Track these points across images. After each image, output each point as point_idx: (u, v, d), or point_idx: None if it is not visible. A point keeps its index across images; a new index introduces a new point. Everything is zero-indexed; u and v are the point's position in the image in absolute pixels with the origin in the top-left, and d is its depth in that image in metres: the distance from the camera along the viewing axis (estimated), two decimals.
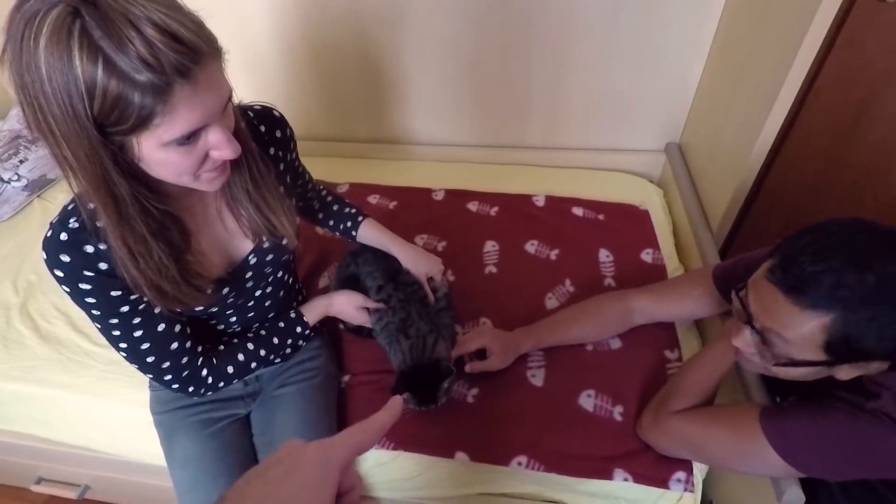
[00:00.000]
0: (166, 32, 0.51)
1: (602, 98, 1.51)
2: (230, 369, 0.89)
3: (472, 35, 1.43)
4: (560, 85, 1.49)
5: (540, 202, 1.48)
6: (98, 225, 0.65)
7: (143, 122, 0.53)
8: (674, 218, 1.46)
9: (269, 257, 0.87)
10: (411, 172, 1.64)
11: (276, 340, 0.95)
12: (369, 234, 1.10)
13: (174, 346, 0.80)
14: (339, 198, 1.12)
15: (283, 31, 1.51)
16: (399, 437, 1.00)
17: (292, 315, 0.98)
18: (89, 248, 0.67)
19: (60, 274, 0.67)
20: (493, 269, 1.31)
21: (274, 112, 0.85)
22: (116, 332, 0.74)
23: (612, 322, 1.07)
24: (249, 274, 0.86)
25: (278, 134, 0.85)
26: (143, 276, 0.67)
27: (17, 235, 1.51)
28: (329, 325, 1.17)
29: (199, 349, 0.85)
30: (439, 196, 1.53)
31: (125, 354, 0.78)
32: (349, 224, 1.10)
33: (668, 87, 1.45)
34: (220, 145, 0.61)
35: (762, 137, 1.06)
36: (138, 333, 0.75)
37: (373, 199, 1.52)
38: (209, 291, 0.77)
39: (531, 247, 1.36)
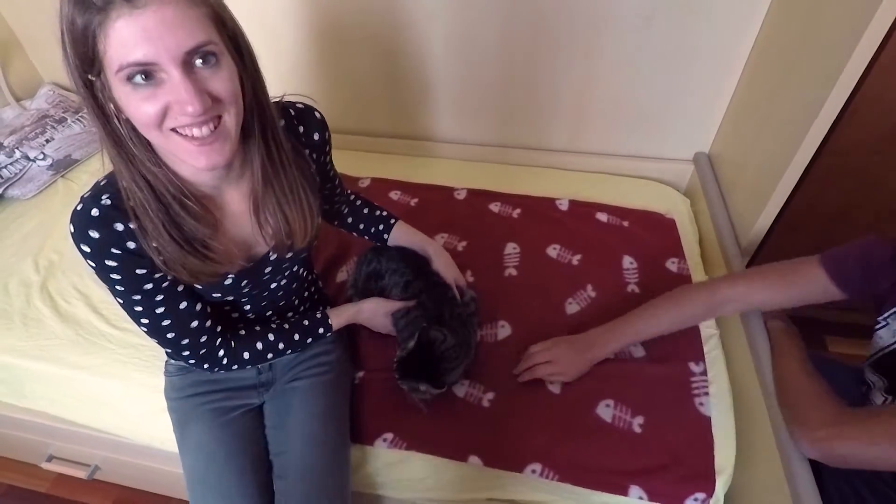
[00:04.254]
0: None
1: (630, 104, 1.48)
2: (246, 355, 0.89)
3: (501, 35, 1.41)
4: (587, 88, 1.47)
5: (563, 206, 1.46)
6: (130, 205, 0.65)
7: (90, 50, 0.55)
8: (700, 228, 1.42)
9: (289, 254, 0.86)
10: (433, 170, 1.62)
11: (296, 336, 0.95)
12: (402, 235, 1.11)
13: (194, 324, 0.81)
14: (368, 201, 1.12)
15: (309, 21, 1.50)
16: (411, 438, 0.99)
17: (318, 315, 0.98)
18: (119, 227, 0.67)
19: (87, 249, 0.67)
20: (514, 272, 1.29)
21: (315, 113, 0.84)
22: (139, 308, 0.74)
23: (697, 314, 1.00)
24: (268, 269, 0.86)
25: (316, 136, 0.84)
26: (165, 253, 0.68)
27: (40, 214, 1.52)
28: None
29: (219, 329, 0.86)
30: (461, 195, 1.52)
31: (146, 329, 0.78)
32: (381, 227, 1.10)
33: (700, 96, 1.42)
34: (179, 93, 0.57)
35: (801, 152, 1.02)
36: (160, 310, 0.75)
37: (394, 196, 1.51)
38: (227, 282, 0.78)
39: (553, 251, 1.33)
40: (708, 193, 1.40)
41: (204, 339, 0.83)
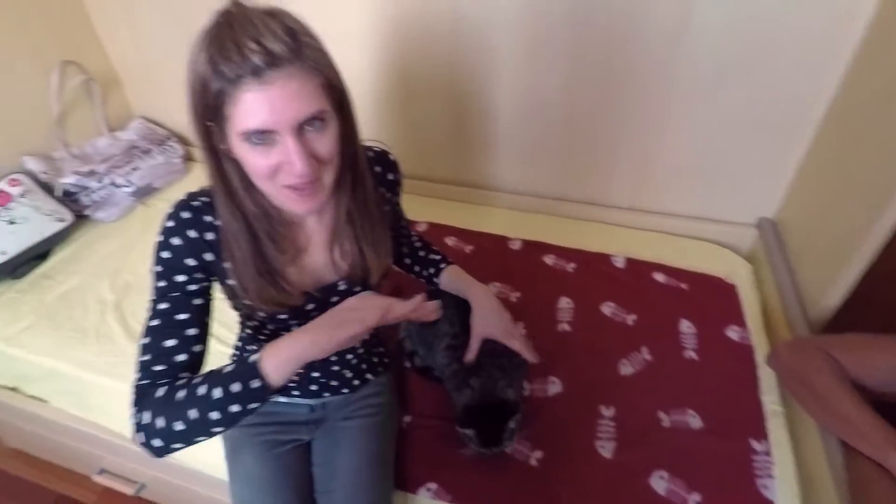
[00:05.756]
0: (258, 42, 0.59)
1: (693, 164, 1.47)
2: (168, 415, 0.67)
3: (565, 88, 1.44)
4: (650, 146, 1.48)
5: (619, 263, 1.45)
6: (222, 237, 0.74)
7: (218, 108, 0.62)
8: (763, 296, 1.37)
9: (357, 288, 0.89)
10: (490, 218, 1.65)
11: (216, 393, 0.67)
12: (447, 280, 1.06)
13: (169, 343, 0.71)
14: (427, 243, 1.12)
15: (377, 68, 1.58)
16: (456, 490, 0.97)
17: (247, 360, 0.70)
18: (208, 218, 0.73)
19: (170, 224, 0.73)
20: (567, 328, 1.27)
21: (389, 156, 0.90)
22: (154, 297, 0.73)
23: None
24: (335, 298, 0.88)
25: (390, 177, 0.90)
26: (244, 279, 0.74)
27: (120, 237, 1.63)
28: (396, 361, 1.17)
29: (181, 376, 0.71)
30: (516, 245, 1.53)
31: (147, 317, 0.74)
32: (432, 270, 1.08)
33: (767, 159, 1.40)
34: (291, 157, 0.63)
35: (881, 223, 0.98)
36: (162, 306, 0.73)
37: (450, 241, 1.54)
38: (293, 303, 0.80)
39: (608, 308, 1.32)
40: (773, 260, 1.36)
41: (159, 367, 0.70)
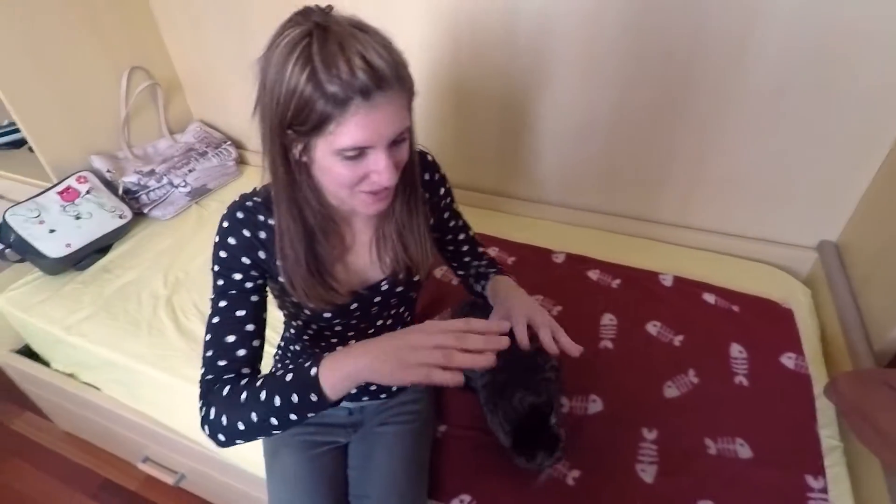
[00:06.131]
0: (364, 59, 0.60)
1: (749, 182, 1.41)
2: (231, 415, 0.71)
3: (615, 102, 1.42)
4: (702, 162, 1.43)
5: (667, 282, 1.40)
6: (277, 238, 0.75)
7: (319, 126, 0.63)
8: (822, 324, 1.30)
9: (399, 289, 0.90)
10: (533, 230, 1.63)
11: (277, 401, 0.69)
12: (493, 292, 0.96)
13: (230, 338, 0.75)
14: (479, 247, 1.07)
15: (431, 79, 1.60)
16: None
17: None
18: (261, 217, 0.76)
19: (225, 224, 0.76)
20: (609, 345, 1.24)
21: (428, 156, 0.91)
22: (213, 296, 0.78)
23: None
24: (378, 299, 0.89)
25: (427, 176, 0.90)
26: (295, 276, 0.76)
27: (174, 234, 1.70)
28: None
29: (244, 370, 0.75)
30: (559, 259, 1.50)
31: (209, 315, 0.78)
32: (474, 274, 1.04)
33: (831, 179, 1.32)
34: (380, 170, 0.66)
35: None
36: (221, 304, 0.77)
37: (492, 252, 1.52)
38: (339, 302, 0.81)
39: (653, 328, 1.27)
40: (835, 287, 1.28)
41: (223, 362, 0.74)
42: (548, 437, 0.90)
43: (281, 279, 0.78)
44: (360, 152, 0.65)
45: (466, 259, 1.08)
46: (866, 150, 1.25)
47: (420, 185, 0.83)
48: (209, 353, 0.75)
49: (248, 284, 0.77)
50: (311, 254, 0.76)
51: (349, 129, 0.62)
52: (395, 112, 0.64)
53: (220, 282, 0.77)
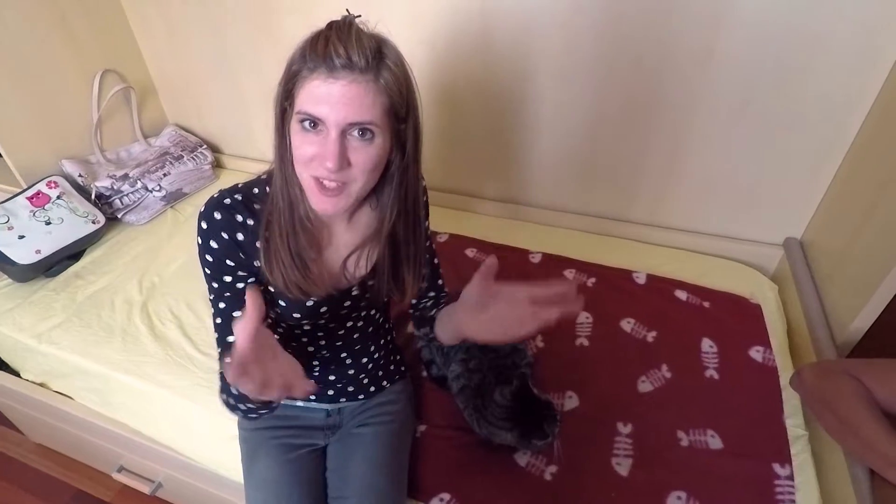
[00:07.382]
0: (345, 46, 0.63)
1: (718, 183, 1.46)
2: (244, 401, 0.81)
3: (590, 107, 1.45)
4: (674, 164, 1.47)
5: (640, 279, 1.43)
6: (268, 208, 0.77)
7: (291, 89, 0.68)
8: (788, 318, 1.34)
9: (368, 295, 0.90)
10: (510, 231, 1.65)
11: None
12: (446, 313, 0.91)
13: (231, 339, 0.81)
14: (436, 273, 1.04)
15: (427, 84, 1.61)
16: (471, 502, 0.97)
17: None
18: (239, 217, 0.77)
19: (204, 226, 0.76)
20: (585, 342, 1.26)
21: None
22: (212, 296, 0.81)
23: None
24: (348, 303, 0.90)
25: None
26: (274, 244, 0.77)
27: (148, 239, 1.68)
28: (412, 371, 1.18)
29: None
30: (536, 259, 1.53)
31: (212, 311, 0.82)
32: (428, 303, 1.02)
33: (795, 179, 1.37)
34: (326, 152, 0.67)
35: None
36: (220, 305, 0.81)
37: (469, 253, 1.54)
38: (309, 303, 0.83)
39: (627, 324, 1.30)
40: (799, 282, 1.33)
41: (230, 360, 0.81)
42: (540, 406, 0.94)
43: (257, 263, 0.78)
44: (313, 123, 0.67)
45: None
46: (826, 151, 1.31)
47: (425, 217, 0.86)
48: (219, 351, 0.83)
49: (240, 285, 0.80)
50: (294, 236, 0.77)
51: (308, 92, 0.66)
52: (357, 96, 0.65)
53: (215, 284, 0.80)
